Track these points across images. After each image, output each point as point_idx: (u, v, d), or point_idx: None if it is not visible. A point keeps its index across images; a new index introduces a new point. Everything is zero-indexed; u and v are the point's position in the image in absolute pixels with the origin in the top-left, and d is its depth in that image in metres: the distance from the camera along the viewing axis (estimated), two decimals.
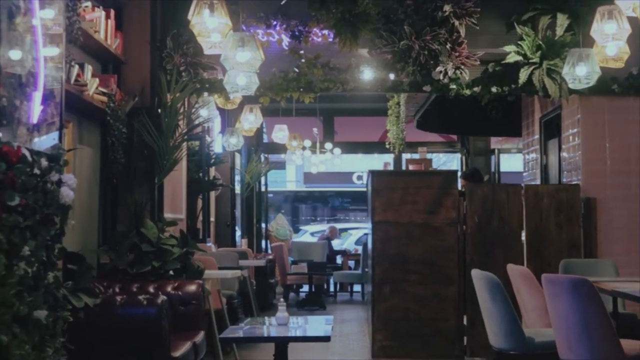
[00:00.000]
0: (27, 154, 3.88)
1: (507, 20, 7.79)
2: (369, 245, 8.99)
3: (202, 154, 10.19)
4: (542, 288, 4.92)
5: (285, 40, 7.82)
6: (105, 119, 6.57)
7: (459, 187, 8.84)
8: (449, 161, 26.74)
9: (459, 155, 16.53)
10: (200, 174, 10.13)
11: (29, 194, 3.89)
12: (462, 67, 7.55)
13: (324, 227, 24.01)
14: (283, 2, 7.75)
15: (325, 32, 7.76)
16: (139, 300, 5.22)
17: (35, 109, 4.13)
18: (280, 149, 14.44)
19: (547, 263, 7.54)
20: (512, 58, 7.57)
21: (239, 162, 13.82)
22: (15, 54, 3.89)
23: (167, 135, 7.06)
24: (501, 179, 14.78)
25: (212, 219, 12.02)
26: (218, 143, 11.72)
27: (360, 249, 16.14)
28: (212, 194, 11.67)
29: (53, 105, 4.49)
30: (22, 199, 3.75)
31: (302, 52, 7.79)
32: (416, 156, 14.11)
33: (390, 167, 15.25)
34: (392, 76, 7.72)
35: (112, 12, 6.85)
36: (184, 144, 7.63)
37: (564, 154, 8.45)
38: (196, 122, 7.74)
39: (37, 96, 4.15)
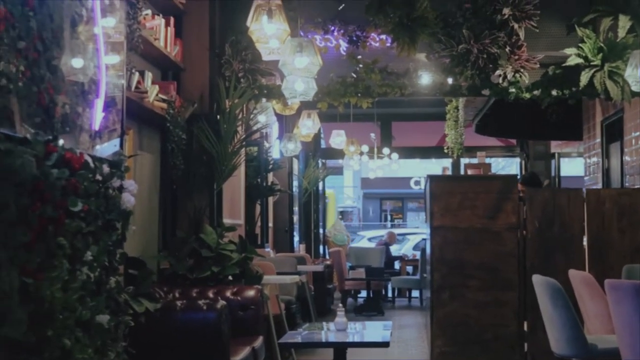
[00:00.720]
0: (90, 160, 3.93)
1: (567, 23, 7.67)
2: (428, 251, 8.93)
3: (261, 160, 10.23)
4: (604, 294, 4.83)
5: (343, 45, 7.81)
6: (165, 125, 6.63)
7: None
8: (507, 165, 26.51)
9: (518, 159, 16.36)
10: (259, 180, 10.17)
11: (92, 199, 3.95)
12: (522, 70, 7.47)
13: (380, 232, 23.96)
14: (341, 7, 7.75)
15: (383, 36, 7.74)
16: (199, 305, 5.24)
17: (97, 116, 4.19)
18: (338, 154, 14.45)
19: (610, 268, 7.40)
20: (573, 61, 7.45)
21: (297, 167, 13.86)
22: (77, 62, 3.95)
23: (226, 142, 7.10)
24: (561, 184, 14.59)
25: (270, 224, 12.06)
26: (276, 149, 11.77)
27: (418, 254, 16.07)
28: (270, 200, 11.71)
29: (114, 112, 4.55)
30: (85, 205, 3.80)
31: (359, 57, 7.77)
32: (475, 161, 14.01)
33: (449, 172, 15.15)
34: (450, 80, 7.66)
35: (172, 20, 6.93)
36: (243, 149, 7.67)
37: (627, 158, 8.31)
38: (254, 128, 7.78)
39: (99, 103, 4.21)
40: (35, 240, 3.30)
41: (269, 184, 11.18)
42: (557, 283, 5.30)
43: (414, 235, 23.16)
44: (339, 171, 24.51)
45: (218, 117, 7.22)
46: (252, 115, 7.73)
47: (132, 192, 4.48)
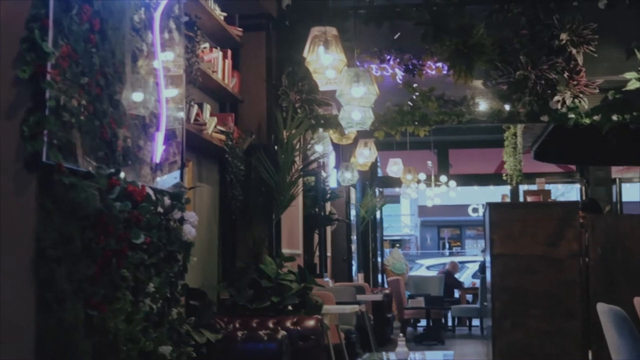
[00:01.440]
0: (151, 192, 3.98)
1: (626, 47, 7.57)
2: (488, 279, 8.83)
3: (318, 189, 10.25)
4: None
5: (399, 74, 7.81)
6: (224, 156, 6.68)
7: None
8: (567, 192, 26.14)
9: (578, 185, 16.13)
10: (317, 209, 10.18)
11: (153, 231, 3.99)
12: (581, 95, 7.38)
13: (439, 260, 23.79)
14: (397, 36, 7.76)
15: (439, 64, 7.71)
16: (260, 336, 5.25)
17: (158, 149, 4.24)
18: (395, 182, 14.40)
19: None
20: (633, 85, 7.35)
21: (354, 196, 13.84)
22: (138, 96, 4.00)
23: (284, 172, 7.13)
24: (623, 209, 14.33)
25: (329, 253, 12.05)
26: (333, 178, 11.78)
27: (477, 282, 15.90)
28: (328, 229, 11.70)
29: (174, 144, 4.60)
30: (147, 237, 3.84)
31: (416, 85, 7.75)
32: (534, 187, 13.84)
33: (508, 199, 15.00)
34: (508, 107, 7.60)
35: (229, 52, 7.00)
36: (300, 179, 7.69)
37: None
38: (312, 158, 7.80)
39: (160, 136, 4.26)
40: (99, 273, 3.34)
41: (327, 213, 11.17)
42: (622, 311, 5.18)
43: (473, 263, 22.93)
44: (396, 199, 24.45)
45: (276, 147, 7.25)
46: (309, 145, 7.75)
47: (193, 224, 4.52)
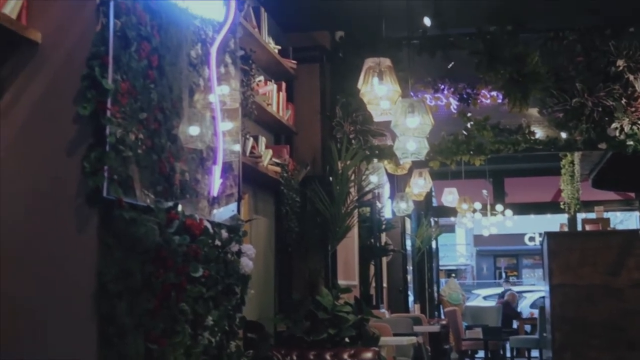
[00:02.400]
0: (209, 226, 4.00)
1: None
2: (547, 309, 8.70)
3: (373, 220, 10.23)
4: None
5: (454, 103, 7.78)
6: (279, 188, 6.71)
7: None
8: (626, 219, 25.70)
9: (637, 213, 15.86)
10: (372, 240, 10.15)
11: (211, 265, 4.00)
12: (639, 122, 7.27)
13: (496, 290, 23.51)
14: (450, 65, 7.74)
15: (494, 93, 7.68)
16: None
17: (215, 183, 4.26)
18: (450, 212, 14.29)
19: None
20: None
21: (409, 226, 13.78)
22: (195, 130, 4.04)
23: (339, 203, 7.12)
24: None
25: (385, 284, 11.98)
26: (388, 208, 11.74)
27: (535, 312, 15.67)
28: (384, 260, 11.66)
29: (231, 177, 4.62)
30: (205, 270, 3.86)
31: (470, 114, 7.72)
32: (592, 216, 13.63)
33: (566, 228, 14.79)
34: (564, 135, 7.52)
35: (284, 85, 7.05)
36: (356, 210, 7.67)
37: None
38: (367, 188, 7.79)
39: (217, 170, 4.29)
40: (159, 307, 3.36)
41: (382, 244, 11.13)
42: None
43: (531, 293, 22.63)
44: (451, 229, 24.28)
45: (331, 179, 7.25)
46: (364, 176, 7.75)
47: (250, 257, 4.52)
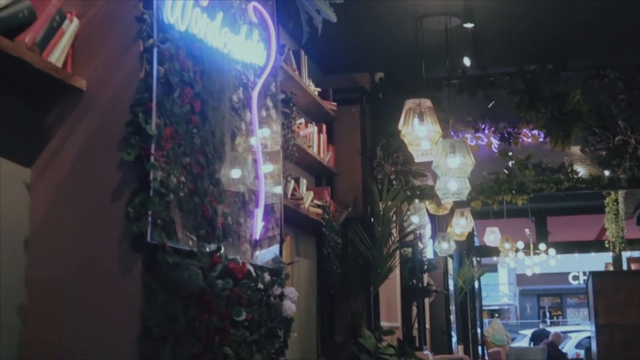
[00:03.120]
0: (252, 269, 4.00)
1: None
2: (593, 350, 8.56)
3: (415, 261, 10.16)
4: None
5: (495, 142, 7.75)
6: (320, 230, 6.70)
7: None
8: None
9: None
10: (414, 281, 10.08)
11: (254, 308, 3.99)
12: None
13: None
14: (491, 105, 7.72)
15: (535, 132, 7.64)
16: None
17: (257, 226, 4.27)
18: (492, 251, 14.19)
19: None
20: None
21: (452, 266, 13.67)
22: (237, 173, 4.06)
23: (381, 244, 7.10)
24: None
25: (427, 325, 11.86)
26: (430, 249, 11.67)
27: (581, 352, 15.43)
28: (426, 300, 11.55)
29: (273, 220, 4.63)
30: (248, 314, 3.85)
31: (512, 153, 7.68)
32: (637, 254, 13.44)
33: (611, 267, 14.59)
34: (608, 173, 7.44)
35: (324, 127, 7.07)
36: (397, 251, 7.64)
37: None
38: (408, 229, 7.75)
39: (259, 213, 4.29)
40: (203, 351, 3.35)
41: (425, 284, 11.04)
42: None
43: (576, 333, 22.28)
44: (493, 268, 24.04)
45: (372, 219, 7.24)
46: (405, 217, 7.72)
47: (292, 299, 4.51)
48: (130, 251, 3.05)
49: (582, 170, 7.55)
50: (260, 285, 4.13)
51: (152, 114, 3.14)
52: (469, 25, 6.55)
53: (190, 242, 3.43)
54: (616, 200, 11.89)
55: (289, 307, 4.46)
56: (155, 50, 3.20)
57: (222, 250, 3.70)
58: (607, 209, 12.25)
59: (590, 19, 6.65)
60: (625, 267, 13.47)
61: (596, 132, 7.39)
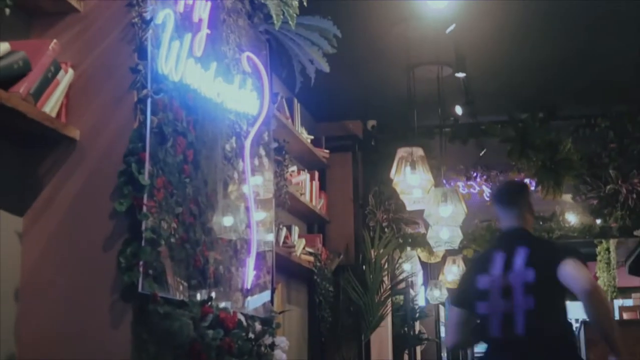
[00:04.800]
0: (243, 319, 3.98)
1: None
2: None
3: (407, 308, 10.12)
4: None
5: (487, 190, 7.78)
6: (312, 278, 6.69)
7: None
8: None
9: None
10: (406, 329, 10.03)
11: (245, 358, 3.97)
12: None
13: None
14: (482, 153, 7.76)
15: (527, 180, 7.66)
16: None
17: (249, 274, 4.26)
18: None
19: None
20: None
21: (443, 314, 13.62)
22: (228, 221, 4.06)
23: (373, 292, 7.09)
24: None
25: None
26: (421, 296, 11.63)
27: None
28: (418, 348, 11.49)
29: (265, 268, 4.62)
30: None
31: None
32: (630, 303, 13.42)
33: None
34: (599, 222, 7.46)
35: (316, 174, 7.09)
36: (389, 299, 7.61)
37: None
38: (400, 277, 7.74)
39: (251, 262, 4.29)
40: None
41: (416, 332, 10.99)
42: None
43: None
44: None
45: (364, 267, 7.23)
46: (397, 265, 7.72)
47: (283, 349, 4.49)
48: (121, 301, 3.03)
49: (573, 219, 7.58)
50: (251, 335, 4.11)
51: (145, 163, 3.14)
52: (460, 74, 6.60)
53: (182, 292, 3.42)
54: (608, 249, 11.91)
55: (280, 356, 4.43)
56: (149, 101, 3.21)
57: (213, 300, 3.68)
58: (598, 258, 12.26)
59: (581, 69, 6.72)
60: (617, 317, 13.44)
61: (587, 180, 7.42)
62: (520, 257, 3.85)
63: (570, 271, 3.68)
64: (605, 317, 3.75)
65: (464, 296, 4.10)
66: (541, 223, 7.57)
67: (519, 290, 3.79)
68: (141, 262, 3.06)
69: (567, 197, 7.63)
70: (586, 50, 6.35)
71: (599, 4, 5.57)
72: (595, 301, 3.67)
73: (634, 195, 7.22)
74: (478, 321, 4.04)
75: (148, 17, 3.27)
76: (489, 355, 4.03)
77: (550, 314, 3.84)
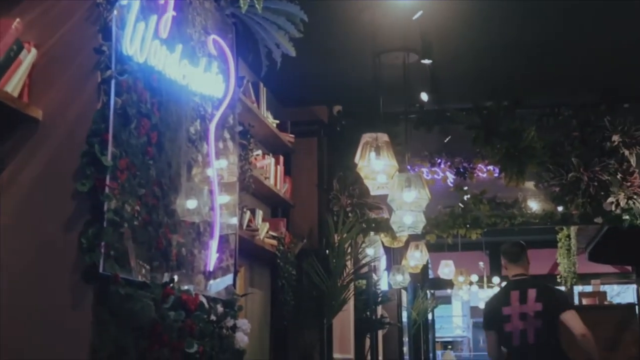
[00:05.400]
0: (204, 301, 3.99)
1: None
2: None
3: (369, 293, 10.17)
4: None
5: (450, 177, 7.84)
6: (275, 261, 6.70)
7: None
8: (622, 291, 25.59)
9: (634, 286, 15.80)
10: (368, 313, 10.08)
11: (206, 340, 3.98)
12: (635, 197, 7.31)
13: None
14: (447, 140, 7.81)
15: (491, 167, 7.74)
16: None
17: (211, 257, 4.27)
18: (447, 284, 14.27)
19: None
20: None
21: (406, 298, 13.71)
22: (192, 204, 4.06)
23: (336, 276, 7.11)
24: None
25: (381, 357, 11.86)
26: (384, 281, 11.69)
27: None
28: (380, 332, 11.56)
29: (228, 251, 4.63)
30: (200, 346, 3.83)
31: (467, 188, 7.76)
32: (589, 289, 13.59)
33: None
34: (561, 209, 7.55)
35: (281, 158, 7.10)
36: (352, 283, 7.65)
37: None
38: (363, 261, 7.78)
39: (214, 244, 4.29)
40: None
41: (378, 316, 11.05)
42: None
43: None
44: (447, 300, 24.15)
45: (327, 252, 7.25)
46: (360, 249, 7.75)
47: (245, 332, 4.50)
48: (82, 282, 3.03)
49: (535, 206, 7.65)
50: (213, 317, 4.13)
51: (108, 145, 3.13)
52: (426, 61, 6.63)
53: (144, 274, 3.42)
54: (568, 236, 12.05)
55: (241, 339, 4.45)
56: (113, 82, 3.20)
57: (176, 282, 3.69)
58: (559, 244, 12.41)
59: (546, 58, 6.77)
60: (576, 302, 13.62)
61: (550, 168, 7.49)
62: (531, 295, 5.77)
63: (571, 318, 5.63)
64: (594, 350, 5.52)
65: (493, 321, 5.97)
66: (504, 209, 7.64)
67: (531, 315, 5.68)
68: (103, 244, 3.06)
69: (530, 185, 7.71)
70: (551, 39, 6.40)
71: None
72: (588, 341, 5.52)
73: (595, 183, 7.31)
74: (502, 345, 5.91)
75: None
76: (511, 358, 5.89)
77: (551, 332, 5.66)
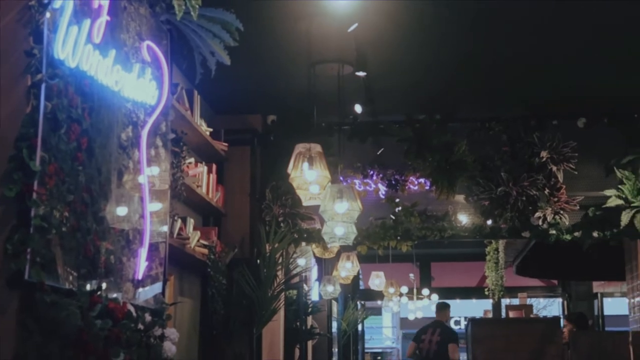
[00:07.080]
0: (132, 309, 3.94)
1: (606, 164, 7.68)
2: None
3: (300, 303, 10.16)
4: None
5: (382, 189, 7.88)
6: (206, 270, 6.66)
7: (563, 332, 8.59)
8: (549, 305, 26.02)
9: (560, 299, 16.11)
10: (298, 323, 10.07)
11: (133, 349, 3.93)
12: (562, 212, 7.46)
13: None
14: (379, 152, 7.86)
15: (422, 180, 7.81)
16: None
17: (140, 266, 4.22)
18: (377, 295, 14.32)
19: None
20: (613, 202, 7.43)
21: (336, 309, 13.73)
22: (122, 211, 4.02)
23: (266, 286, 7.09)
24: (605, 323, 14.28)
25: None
26: (315, 291, 11.70)
27: None
28: (309, 343, 11.55)
29: (157, 260, 4.59)
30: (127, 355, 3.79)
31: (398, 200, 7.82)
32: (516, 302, 13.81)
33: (490, 315, 14.94)
34: (490, 222, 7.66)
35: (214, 167, 7.06)
36: (282, 293, 7.64)
37: None
38: (294, 271, 7.77)
39: (143, 253, 4.25)
40: None
41: (308, 327, 11.05)
42: None
43: None
44: (377, 311, 24.28)
45: (258, 261, 7.24)
46: (291, 259, 7.74)
47: (173, 341, 4.46)
48: (6, 289, 2.97)
49: (465, 219, 7.74)
50: (141, 326, 4.08)
51: (37, 149, 3.08)
52: (361, 73, 6.68)
53: (71, 281, 3.37)
54: (497, 249, 12.22)
55: (169, 348, 4.41)
56: (43, 86, 3.16)
57: (103, 290, 3.64)
58: (487, 257, 12.58)
59: (478, 73, 6.88)
60: (503, 315, 13.82)
61: (480, 182, 7.60)
62: (437, 331, 10.12)
63: (452, 348, 9.50)
64: None
65: (417, 341, 10.58)
66: (434, 222, 7.71)
67: (434, 342, 9.96)
68: (29, 250, 3.01)
69: (460, 198, 7.80)
70: (483, 54, 6.50)
71: (496, 9, 5.71)
72: None
73: (524, 198, 7.43)
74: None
75: (45, 0, 3.20)
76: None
77: (444, 352, 8.78)
